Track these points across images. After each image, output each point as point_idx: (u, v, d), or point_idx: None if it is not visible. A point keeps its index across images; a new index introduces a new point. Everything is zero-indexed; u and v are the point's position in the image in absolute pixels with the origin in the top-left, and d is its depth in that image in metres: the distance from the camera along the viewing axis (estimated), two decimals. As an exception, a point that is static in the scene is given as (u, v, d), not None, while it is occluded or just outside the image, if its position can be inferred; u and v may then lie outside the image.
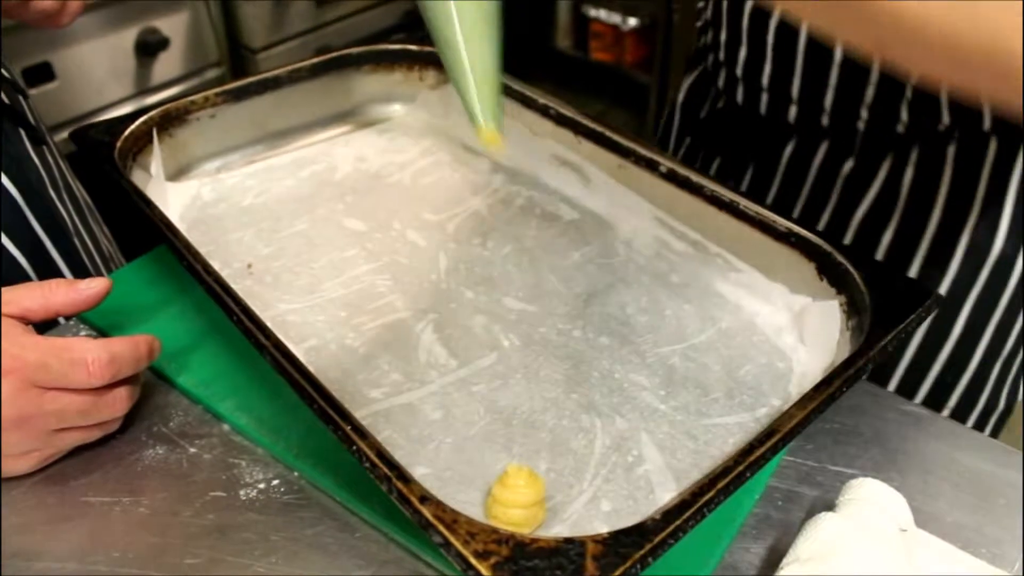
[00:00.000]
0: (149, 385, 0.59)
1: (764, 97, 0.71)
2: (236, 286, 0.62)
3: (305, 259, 0.66)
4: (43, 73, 1.25)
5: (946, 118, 0.64)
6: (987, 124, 0.63)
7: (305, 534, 0.51)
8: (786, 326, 0.61)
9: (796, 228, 0.60)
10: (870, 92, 0.65)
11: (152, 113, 0.69)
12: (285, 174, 0.74)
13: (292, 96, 0.75)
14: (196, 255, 0.56)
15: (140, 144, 0.68)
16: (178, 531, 0.51)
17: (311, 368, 0.57)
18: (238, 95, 0.72)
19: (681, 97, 0.85)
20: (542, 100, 0.72)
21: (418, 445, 0.53)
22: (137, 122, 0.67)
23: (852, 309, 0.56)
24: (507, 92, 0.74)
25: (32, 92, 1.12)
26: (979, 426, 0.76)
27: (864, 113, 0.66)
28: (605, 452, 0.53)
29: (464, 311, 0.62)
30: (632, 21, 2.37)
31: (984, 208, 0.66)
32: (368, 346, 0.59)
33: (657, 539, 0.41)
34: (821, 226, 0.73)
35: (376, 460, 0.44)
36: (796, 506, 0.53)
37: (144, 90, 1.44)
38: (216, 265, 0.64)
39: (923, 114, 0.64)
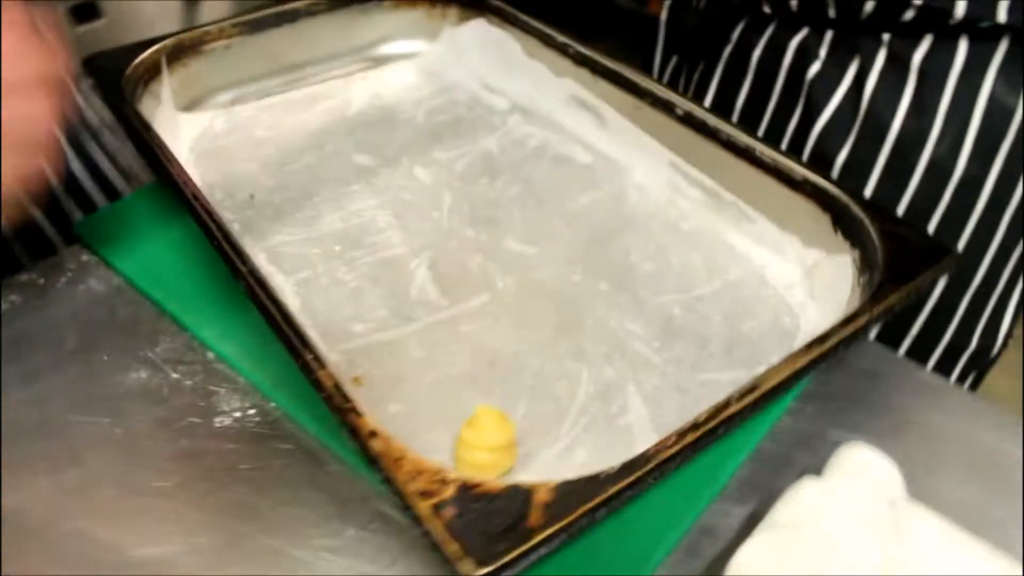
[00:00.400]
0: (140, 310, 0.58)
1: None
2: (236, 216, 0.62)
3: (308, 192, 0.64)
4: (89, 11, 1.25)
5: None
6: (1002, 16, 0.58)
7: (273, 465, 0.49)
8: (797, 281, 0.57)
9: (812, 176, 0.56)
10: None
11: (165, 42, 0.67)
12: (299, 108, 0.72)
13: (310, 29, 0.73)
14: (186, 182, 0.54)
15: (152, 73, 0.66)
16: (150, 454, 0.50)
17: (298, 300, 0.56)
18: (253, 27, 0.71)
19: (664, 14, 0.80)
20: (561, 38, 0.69)
21: (394, 382, 0.51)
22: (149, 51, 0.66)
23: (864, 265, 0.52)
24: (527, 29, 0.71)
25: (79, 30, 1.13)
26: (968, 369, 0.72)
27: None
28: (588, 400, 0.51)
29: (462, 250, 0.60)
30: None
31: (947, 122, 0.62)
32: (359, 280, 0.57)
33: (610, 491, 0.39)
34: (787, 136, 0.69)
35: (332, 391, 0.43)
36: (787, 472, 0.50)
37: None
38: (219, 195, 0.63)
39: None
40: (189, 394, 0.53)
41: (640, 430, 0.49)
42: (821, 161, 0.66)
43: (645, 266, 0.59)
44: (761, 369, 0.52)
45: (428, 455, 0.47)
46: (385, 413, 0.49)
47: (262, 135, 0.69)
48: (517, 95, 0.73)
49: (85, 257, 0.62)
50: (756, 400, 0.43)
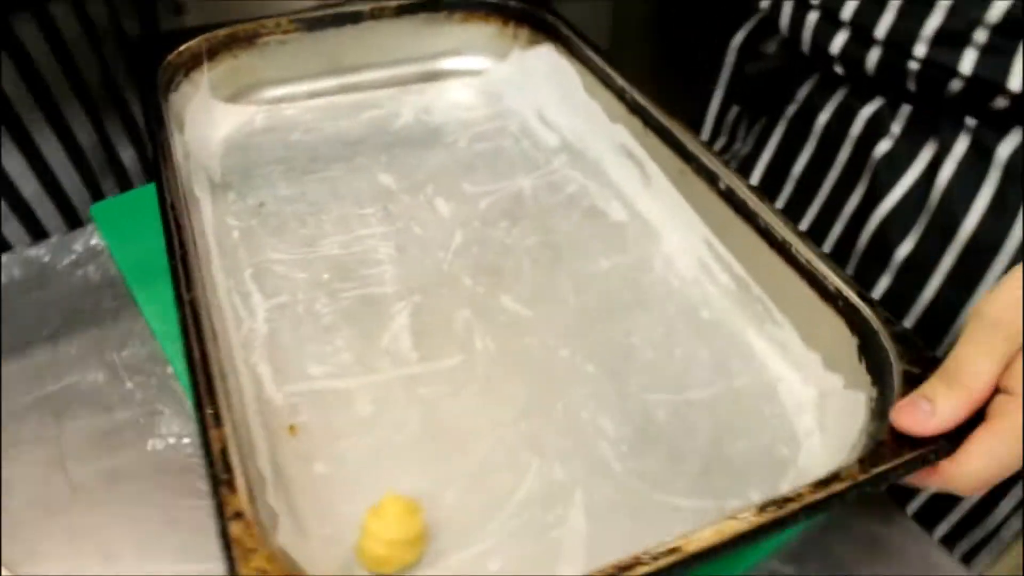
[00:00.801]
0: (124, 307, 0.57)
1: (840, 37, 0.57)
2: (239, 223, 0.59)
3: (320, 208, 0.61)
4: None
5: (1017, 84, 0.49)
6: None
7: (181, 504, 0.47)
8: (809, 405, 0.49)
9: (847, 290, 0.47)
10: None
11: (217, 32, 0.66)
12: (343, 114, 0.69)
13: (372, 34, 0.69)
14: (170, 187, 0.52)
15: (196, 61, 0.65)
16: (74, 461, 0.48)
17: (267, 327, 0.53)
18: (312, 25, 0.68)
19: (731, 57, 0.71)
20: (620, 81, 0.62)
21: (331, 438, 0.47)
22: (197, 39, 0.65)
23: (878, 410, 0.44)
24: (590, 65, 0.65)
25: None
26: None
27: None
28: (527, 501, 0.45)
29: (452, 300, 0.55)
30: None
31: None
32: (335, 316, 0.53)
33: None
34: (846, 215, 0.59)
35: (216, 456, 0.39)
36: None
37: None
38: (231, 197, 0.61)
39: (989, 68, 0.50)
40: (135, 407, 0.51)
41: (569, 550, 0.43)
42: (880, 251, 0.57)
43: (645, 353, 0.52)
44: (733, 504, 0.45)
45: (341, 534, 0.43)
46: (309, 473, 0.46)
47: (297, 138, 0.66)
48: (570, 133, 0.67)
49: (95, 241, 0.61)
50: (678, 562, 0.36)
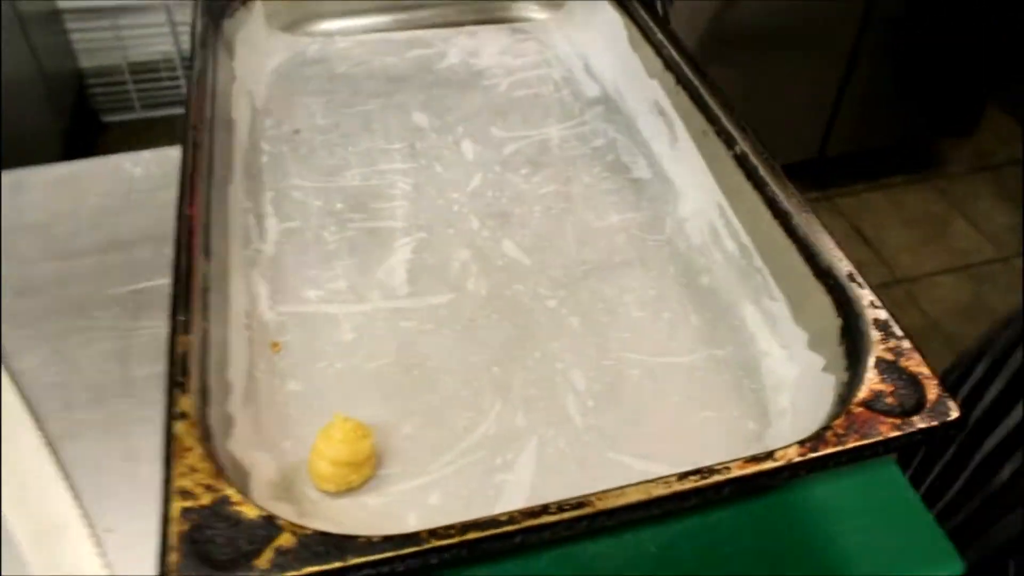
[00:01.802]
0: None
1: None
2: (270, 148, 0.61)
3: (350, 140, 0.61)
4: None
5: None
6: None
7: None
8: (788, 384, 0.46)
9: (838, 268, 0.45)
10: None
11: (277, -40, 0.67)
12: (393, 50, 0.69)
13: (433, -27, 0.69)
14: (197, 105, 0.53)
15: (257, -12, 0.66)
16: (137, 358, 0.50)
17: (273, 249, 0.54)
18: (371, -42, 0.68)
19: None
20: (659, 35, 0.60)
21: (310, 359, 0.48)
22: (256, -34, 0.66)
23: (843, 395, 0.41)
24: (636, 18, 0.63)
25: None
26: None
27: None
28: (481, 442, 0.45)
29: (456, 240, 0.55)
30: None
31: None
32: (339, 244, 0.54)
33: (352, 562, 0.34)
34: None
35: (178, 359, 0.40)
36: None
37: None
38: (268, 123, 0.63)
39: None
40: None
41: (509, 495, 0.43)
42: None
43: (633, 313, 0.51)
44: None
45: (298, 449, 0.44)
46: (281, 389, 0.47)
47: (343, 71, 0.67)
48: (611, 85, 0.65)
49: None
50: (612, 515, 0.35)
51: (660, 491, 0.35)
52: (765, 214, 0.49)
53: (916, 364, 0.40)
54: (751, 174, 0.51)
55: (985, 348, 0.60)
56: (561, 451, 0.44)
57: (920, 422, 0.38)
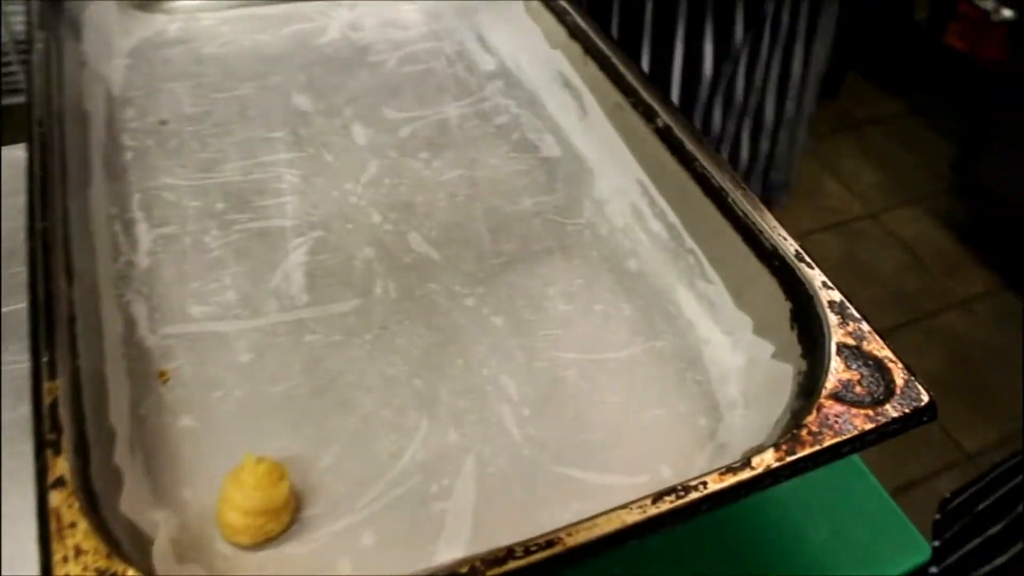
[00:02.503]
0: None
1: None
2: (134, 142, 0.53)
3: (225, 129, 0.54)
4: None
5: None
6: None
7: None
8: (735, 373, 0.43)
9: (784, 247, 0.41)
10: None
11: (125, -73, 0.58)
12: (266, 27, 0.61)
13: (300, -64, 0.62)
14: (40, 102, 0.45)
15: (100, -41, 0.57)
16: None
17: (147, 261, 0.47)
18: (232, -77, 0.60)
19: None
20: (562, 2, 0.55)
21: (205, 388, 0.41)
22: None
23: (806, 385, 0.38)
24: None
25: None
26: None
27: None
28: (411, 468, 0.39)
29: (356, 237, 0.49)
30: (1006, 12, 1.73)
31: None
32: (225, 251, 0.47)
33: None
34: None
35: (45, 412, 0.33)
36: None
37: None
38: (130, 114, 0.54)
39: None
40: None
41: (453, 526, 0.38)
42: None
43: (559, 306, 0.46)
44: (642, 480, 0.40)
45: (201, 496, 0.38)
46: (173, 426, 0.40)
47: (211, 52, 0.59)
48: (509, 59, 0.60)
49: None
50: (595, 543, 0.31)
51: (635, 518, 0.31)
52: (695, 191, 0.46)
53: (879, 348, 0.38)
54: (676, 149, 0.47)
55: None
56: (502, 470, 0.40)
57: (893, 411, 0.35)
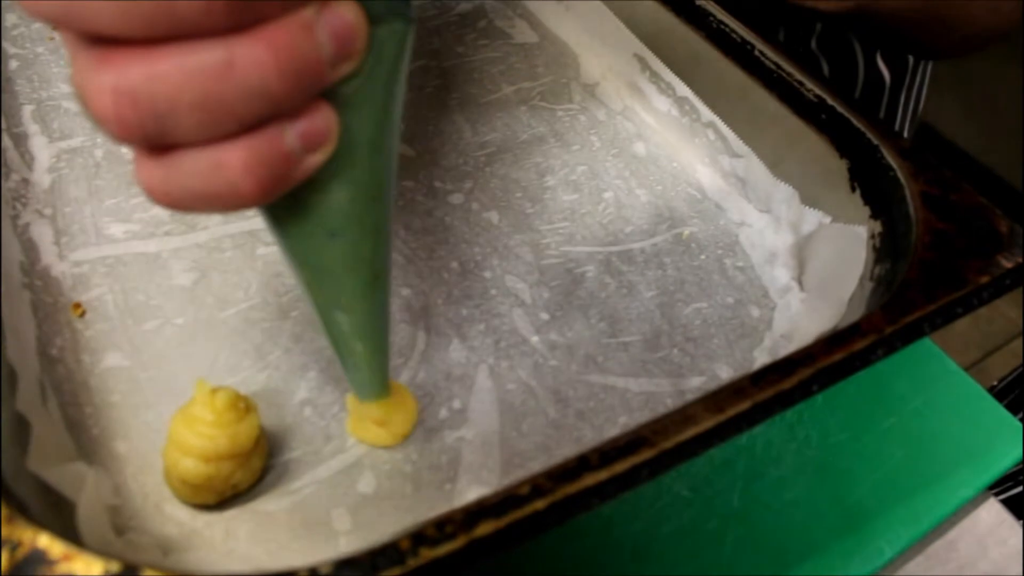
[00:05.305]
0: None
1: None
2: (20, 51, 0.42)
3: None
4: None
5: None
6: None
7: None
8: (782, 253, 0.35)
9: (831, 98, 0.34)
10: None
11: None
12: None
13: None
14: None
15: None
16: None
17: (48, 178, 0.36)
18: None
19: None
20: None
21: (132, 321, 0.31)
22: None
23: (888, 248, 0.30)
24: None
25: None
26: None
27: None
28: (409, 388, 0.30)
29: (310, 139, 0.39)
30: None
31: None
32: (146, 161, 0.37)
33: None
34: None
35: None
36: None
37: None
38: (11, 19, 0.43)
39: None
40: None
41: (473, 459, 0.28)
42: None
43: (563, 196, 0.37)
44: (695, 382, 0.31)
45: (141, 448, 0.28)
46: (96, 367, 0.30)
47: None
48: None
49: None
50: (657, 457, 0.22)
51: (738, 406, 0.23)
52: (711, 53, 0.37)
53: (970, 195, 0.30)
54: (683, 7, 0.38)
55: None
56: (525, 385, 0.31)
57: (1005, 261, 0.28)
